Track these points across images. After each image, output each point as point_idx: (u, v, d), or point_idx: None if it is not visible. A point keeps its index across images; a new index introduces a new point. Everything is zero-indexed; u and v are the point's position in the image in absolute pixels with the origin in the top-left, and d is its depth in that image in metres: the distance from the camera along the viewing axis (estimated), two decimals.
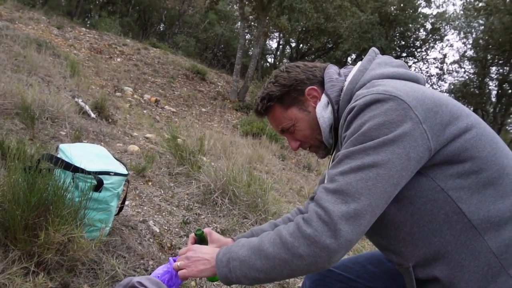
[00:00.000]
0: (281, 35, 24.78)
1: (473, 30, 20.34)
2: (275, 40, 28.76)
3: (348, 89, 1.10)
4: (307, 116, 1.19)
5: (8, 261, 1.55)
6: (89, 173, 1.86)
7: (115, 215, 2.17)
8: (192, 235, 1.34)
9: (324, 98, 1.16)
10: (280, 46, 27.79)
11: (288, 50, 26.84)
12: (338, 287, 1.30)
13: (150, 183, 3.42)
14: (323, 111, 1.15)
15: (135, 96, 9.56)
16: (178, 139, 4.34)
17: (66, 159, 1.90)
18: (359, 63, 1.15)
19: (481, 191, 0.93)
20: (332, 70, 1.21)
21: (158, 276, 1.16)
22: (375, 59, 1.14)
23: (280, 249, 0.92)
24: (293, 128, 1.21)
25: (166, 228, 2.66)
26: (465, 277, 0.94)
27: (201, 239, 1.34)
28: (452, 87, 22.25)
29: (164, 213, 2.88)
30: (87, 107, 5.05)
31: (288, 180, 6.01)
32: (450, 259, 0.96)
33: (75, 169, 1.84)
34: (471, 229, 0.93)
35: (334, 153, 1.22)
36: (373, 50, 1.19)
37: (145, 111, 8.48)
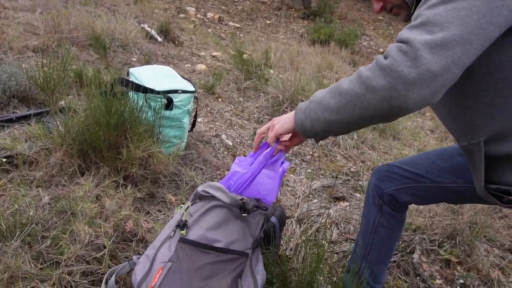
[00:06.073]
0: None
1: None
2: None
3: None
4: None
5: (100, 176, 1.74)
6: (158, 92, 1.94)
7: (188, 131, 2.28)
8: None
9: None
10: None
11: None
12: (405, 182, 1.26)
13: (220, 100, 3.51)
14: None
15: (198, 15, 9.47)
16: (244, 54, 4.31)
17: (137, 82, 2.00)
18: None
19: None
20: None
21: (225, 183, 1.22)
22: None
23: (355, 84, 0.84)
24: None
25: (239, 141, 2.76)
26: None
27: None
28: None
29: (235, 127, 2.98)
30: (153, 32, 5.13)
31: None
32: None
33: (145, 90, 1.93)
34: None
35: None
36: None
37: (209, 30, 8.42)
